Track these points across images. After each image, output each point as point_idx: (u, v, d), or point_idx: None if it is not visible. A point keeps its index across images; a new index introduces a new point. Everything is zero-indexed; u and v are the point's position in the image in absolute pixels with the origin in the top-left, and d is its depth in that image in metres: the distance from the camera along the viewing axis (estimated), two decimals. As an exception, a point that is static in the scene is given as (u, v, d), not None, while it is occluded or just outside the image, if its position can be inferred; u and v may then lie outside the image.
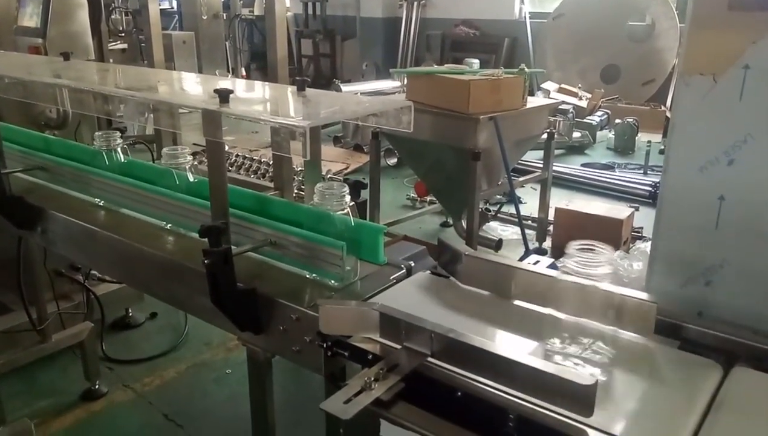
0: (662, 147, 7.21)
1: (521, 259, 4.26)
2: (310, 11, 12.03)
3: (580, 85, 8.91)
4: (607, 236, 4.60)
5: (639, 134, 7.79)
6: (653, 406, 1.14)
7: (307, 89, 1.68)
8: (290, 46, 12.54)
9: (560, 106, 8.07)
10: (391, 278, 1.61)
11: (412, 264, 1.67)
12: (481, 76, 4.23)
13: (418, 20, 11.21)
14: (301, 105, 1.52)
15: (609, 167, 7.06)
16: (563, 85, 8.83)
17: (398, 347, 1.27)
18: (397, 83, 8.45)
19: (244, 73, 11.92)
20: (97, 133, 2.31)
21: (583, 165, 7.07)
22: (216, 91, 1.44)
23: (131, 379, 3.38)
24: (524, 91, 4.30)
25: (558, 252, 4.91)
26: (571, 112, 7.83)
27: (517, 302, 1.49)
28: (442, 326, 1.23)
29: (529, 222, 5.17)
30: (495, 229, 5.37)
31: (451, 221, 5.27)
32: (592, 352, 1.28)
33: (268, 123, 1.31)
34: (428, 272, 1.66)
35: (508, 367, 1.11)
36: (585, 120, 8.11)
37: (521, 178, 4.90)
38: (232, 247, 1.53)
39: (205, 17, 10.75)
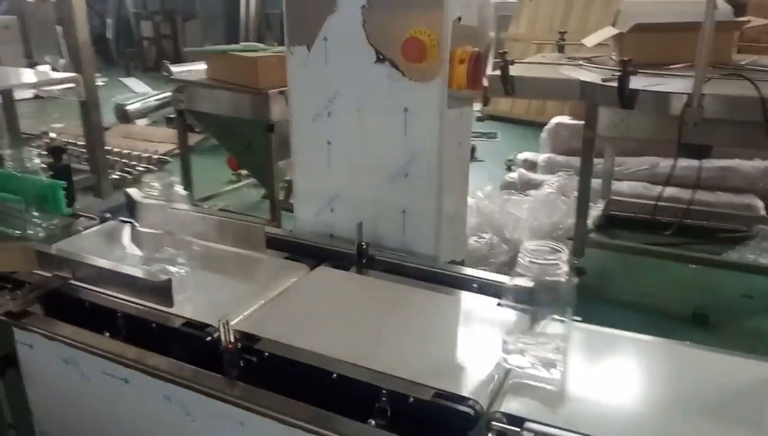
0: (478, 114, 7.92)
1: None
2: (148, -8, 11.76)
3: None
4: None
5: (459, 104, 8.45)
6: (234, 296, 1.51)
7: None
8: (129, 28, 12.22)
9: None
10: (83, 227, 1.89)
11: (108, 215, 1.96)
12: (271, 53, 4.53)
13: (258, -1, 11.31)
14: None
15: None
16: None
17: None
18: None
19: (79, 57, 11.43)
20: None
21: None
22: None
23: None
24: (315, 66, 4.64)
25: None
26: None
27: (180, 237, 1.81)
28: (85, 255, 1.54)
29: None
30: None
31: (270, 192, 5.56)
32: (207, 266, 1.63)
33: None
34: (119, 220, 1.95)
35: (115, 277, 1.43)
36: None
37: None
38: None
39: (31, 0, 10.24)
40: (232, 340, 1.24)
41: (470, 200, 4.64)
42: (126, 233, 1.85)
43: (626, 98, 3.28)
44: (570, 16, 7.53)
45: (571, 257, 4.29)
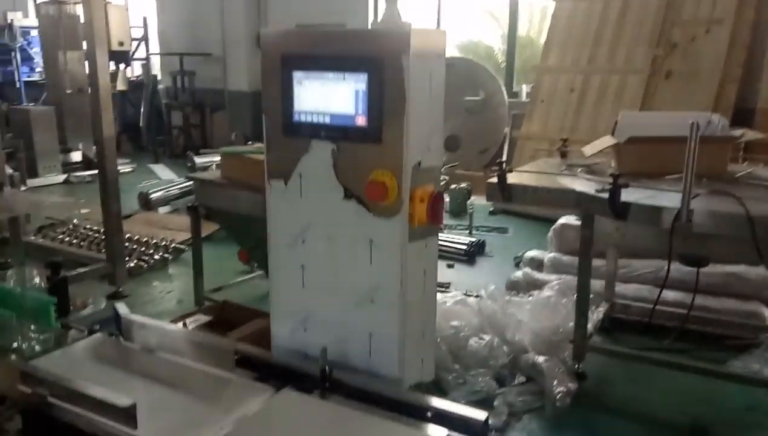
0: (491, 209, 8.10)
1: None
2: (179, 84, 12.42)
3: (425, 154, 9.71)
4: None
5: (472, 198, 8.62)
6: (198, 418, 1.58)
7: None
8: (161, 117, 12.84)
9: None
10: (72, 339, 2.00)
11: (97, 327, 2.07)
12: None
13: (284, 94, 11.85)
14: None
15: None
16: (410, 154, 9.61)
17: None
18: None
19: (111, 144, 12.00)
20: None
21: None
22: None
23: None
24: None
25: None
26: (412, 179, 8.57)
27: (157, 354, 1.91)
28: (59, 375, 1.64)
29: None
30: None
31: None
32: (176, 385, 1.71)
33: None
34: (106, 333, 2.06)
35: (83, 398, 1.52)
36: (426, 186, 8.86)
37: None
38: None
39: (69, 91, 10.87)
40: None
41: (472, 300, 4.69)
42: (110, 347, 1.96)
43: (618, 210, 3.37)
44: (581, 117, 7.76)
45: (571, 361, 4.25)
